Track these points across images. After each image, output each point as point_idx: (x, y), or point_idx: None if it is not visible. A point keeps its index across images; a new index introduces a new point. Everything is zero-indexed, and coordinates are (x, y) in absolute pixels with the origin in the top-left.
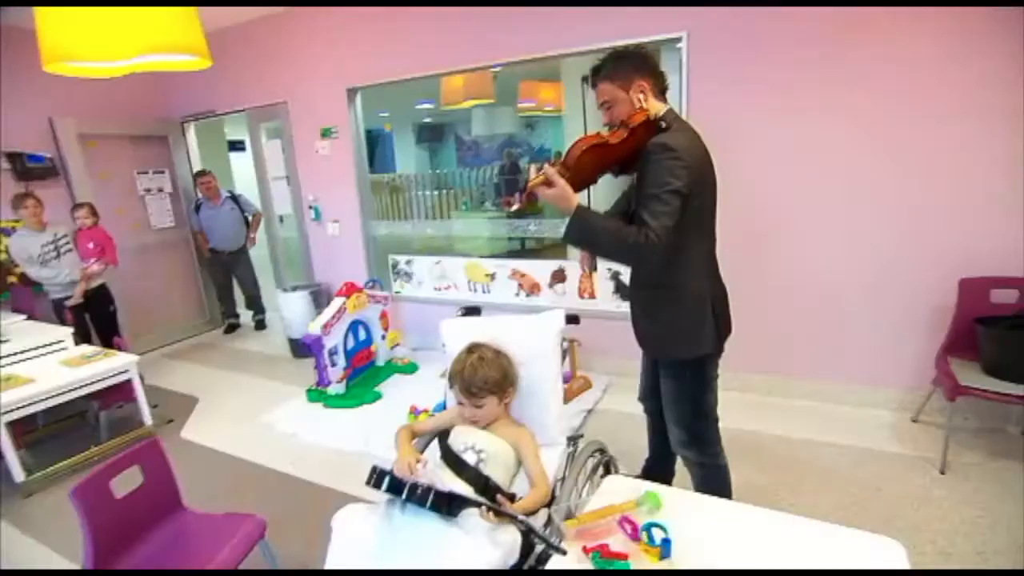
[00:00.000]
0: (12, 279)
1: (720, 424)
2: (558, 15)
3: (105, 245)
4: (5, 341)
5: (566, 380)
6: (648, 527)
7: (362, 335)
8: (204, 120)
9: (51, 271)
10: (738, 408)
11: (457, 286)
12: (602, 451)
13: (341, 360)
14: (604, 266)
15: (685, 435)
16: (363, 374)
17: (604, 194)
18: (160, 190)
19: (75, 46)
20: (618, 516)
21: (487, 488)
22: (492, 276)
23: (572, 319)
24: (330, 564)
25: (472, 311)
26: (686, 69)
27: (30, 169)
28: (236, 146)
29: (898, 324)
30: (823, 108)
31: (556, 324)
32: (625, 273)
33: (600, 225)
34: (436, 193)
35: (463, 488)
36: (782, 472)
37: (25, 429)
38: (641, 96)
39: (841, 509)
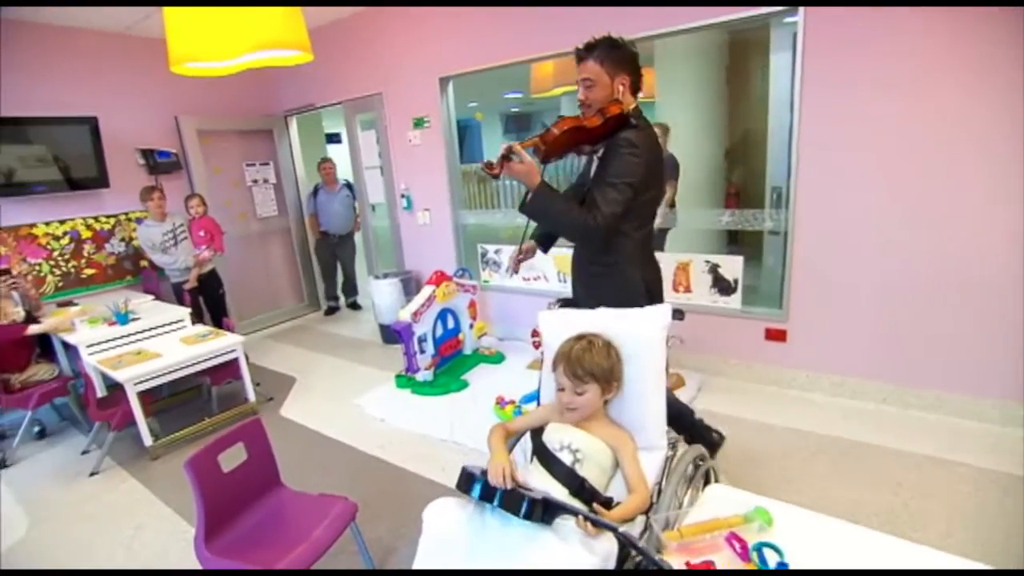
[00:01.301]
0: (143, 263)
1: (826, 432)
2: None
3: (214, 233)
4: (137, 319)
5: None
6: (759, 547)
7: (450, 324)
8: (305, 113)
9: (170, 257)
10: (848, 416)
11: (546, 277)
12: (703, 458)
13: (429, 348)
14: (702, 259)
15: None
16: (450, 363)
17: None
18: (265, 181)
19: (196, 48)
20: (725, 532)
21: (582, 490)
22: None
23: (676, 314)
24: (419, 560)
25: (569, 303)
26: (801, 47)
27: (159, 164)
28: (333, 138)
29: None
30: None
31: (662, 319)
32: (724, 267)
33: (556, 202)
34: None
35: (556, 489)
36: (902, 492)
37: (152, 399)
38: (621, 88)
39: (979, 545)
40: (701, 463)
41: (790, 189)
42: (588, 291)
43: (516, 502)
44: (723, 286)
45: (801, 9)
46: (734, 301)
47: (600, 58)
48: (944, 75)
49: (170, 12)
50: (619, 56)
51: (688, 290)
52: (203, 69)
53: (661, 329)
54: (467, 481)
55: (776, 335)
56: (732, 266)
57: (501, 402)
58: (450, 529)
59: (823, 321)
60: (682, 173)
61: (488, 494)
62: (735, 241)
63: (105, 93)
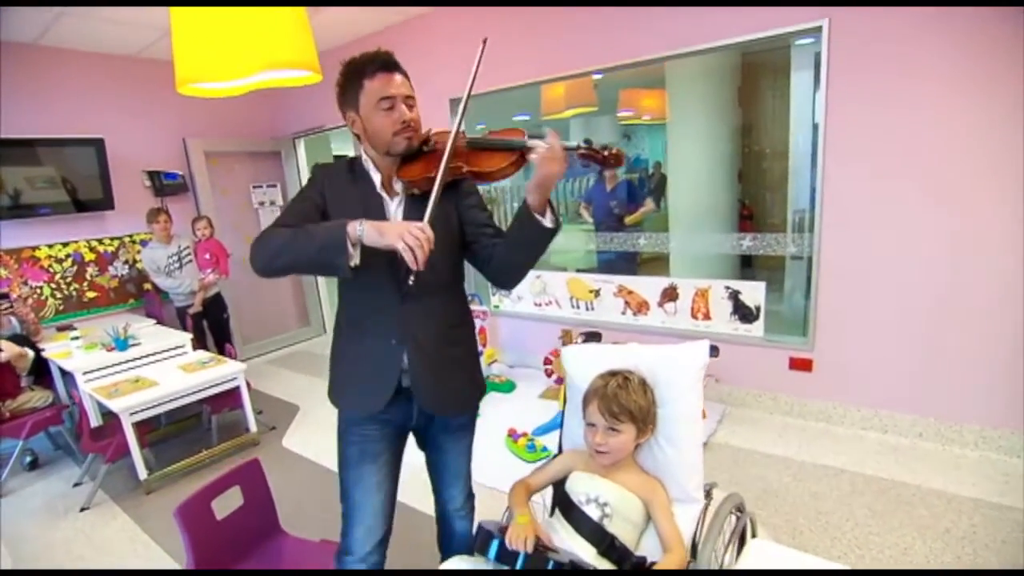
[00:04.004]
0: (147, 286)
1: (859, 470)
2: (667, 14)
3: (219, 256)
4: (137, 344)
5: None
6: None
7: None
8: (313, 135)
9: (175, 281)
10: (882, 452)
11: (558, 302)
12: (740, 508)
13: None
14: (721, 285)
15: (468, 485)
16: None
17: None
18: (272, 203)
19: (203, 68)
20: None
21: (611, 549)
22: (596, 293)
23: (712, 350)
24: None
25: (593, 336)
26: (825, 65)
27: (166, 185)
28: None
29: None
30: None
31: (700, 358)
32: (745, 294)
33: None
34: None
35: (582, 547)
36: (952, 541)
37: (149, 429)
38: None
39: None
40: (740, 514)
41: (815, 213)
42: (455, 364)
43: (541, 566)
44: (744, 313)
45: (825, 27)
46: (756, 329)
47: None
48: (978, 90)
49: (178, 31)
50: None
51: (707, 317)
52: (210, 90)
53: (699, 368)
54: (484, 541)
55: (801, 364)
56: (754, 292)
57: (514, 435)
58: None
59: (851, 350)
60: (694, 195)
61: (508, 556)
62: (749, 265)
63: (113, 115)
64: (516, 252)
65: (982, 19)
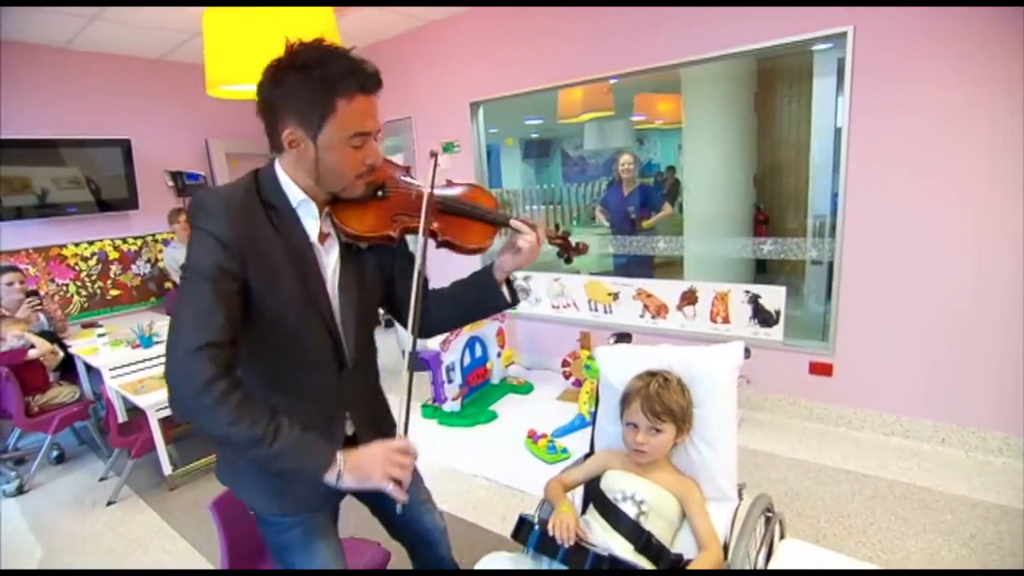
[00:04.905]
0: (168, 285)
1: (880, 475)
2: (688, 18)
3: None
4: (160, 342)
5: None
6: None
7: (478, 352)
8: None
9: None
10: (904, 457)
11: (577, 305)
12: (771, 508)
13: (457, 377)
14: (741, 289)
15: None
16: (477, 392)
17: None
18: None
19: (233, 70)
20: None
21: (648, 546)
22: (615, 296)
23: (746, 352)
24: None
25: (623, 337)
26: (849, 70)
27: (188, 186)
28: None
29: None
30: None
31: (735, 359)
32: (765, 298)
33: None
34: (544, 208)
35: (619, 543)
36: (977, 547)
37: (173, 425)
38: None
39: None
40: (771, 514)
41: (837, 217)
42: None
43: (580, 559)
44: (764, 317)
45: (851, 33)
46: (776, 333)
47: None
48: (1007, 94)
49: (209, 32)
50: None
51: (727, 321)
52: (239, 92)
53: (733, 368)
54: (526, 532)
55: (821, 369)
56: (774, 297)
57: (534, 436)
58: None
59: (873, 355)
60: (709, 200)
61: (548, 548)
62: (763, 271)
63: (139, 117)
64: (460, 311)
65: (1009, 18)
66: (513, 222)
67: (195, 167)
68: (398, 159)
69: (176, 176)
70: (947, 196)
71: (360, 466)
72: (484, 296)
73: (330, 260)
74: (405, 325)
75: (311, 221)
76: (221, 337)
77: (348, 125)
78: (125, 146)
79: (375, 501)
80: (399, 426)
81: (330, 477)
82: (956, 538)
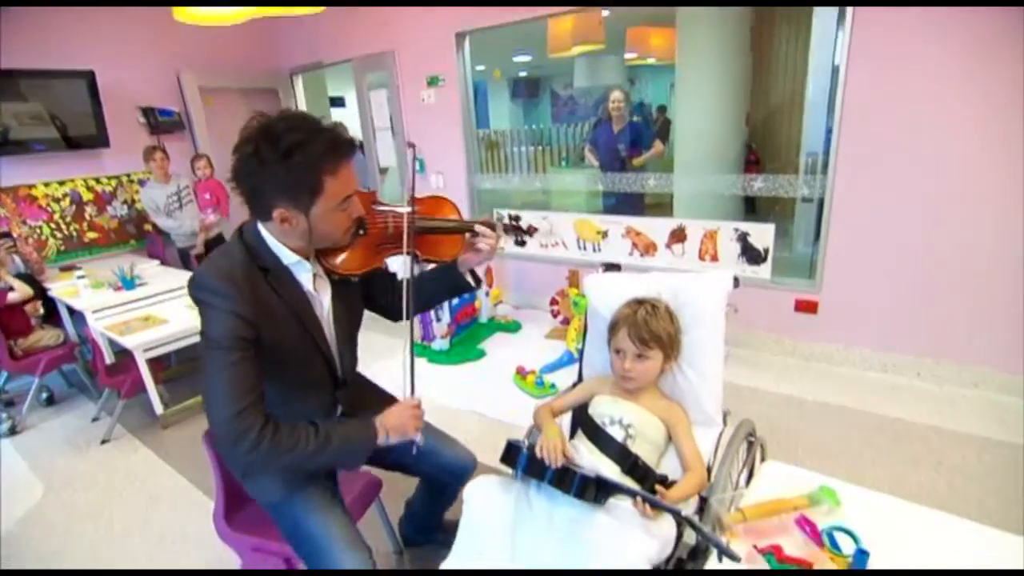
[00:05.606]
0: (147, 227)
1: (859, 407)
2: None
3: (220, 197)
4: (143, 284)
5: None
6: (831, 531)
7: None
8: (310, 73)
9: (175, 221)
10: (881, 391)
11: (565, 244)
12: (753, 434)
13: (446, 316)
14: (730, 227)
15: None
16: (466, 331)
17: None
18: None
19: None
20: (792, 514)
21: (634, 468)
22: (604, 234)
23: (734, 281)
24: (461, 540)
25: (613, 267)
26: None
27: (161, 123)
28: (336, 102)
29: None
30: None
31: (724, 286)
32: (754, 236)
33: None
34: (533, 149)
35: (606, 466)
36: (944, 471)
37: (161, 367)
38: None
39: None
40: (753, 439)
41: (829, 155)
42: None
43: (568, 479)
44: (752, 255)
45: None
46: (763, 271)
47: None
48: (1006, 33)
49: None
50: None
51: (715, 259)
52: (207, 15)
53: (722, 296)
54: (514, 456)
55: (806, 307)
56: (762, 234)
57: (522, 372)
58: (494, 507)
59: (857, 292)
60: (700, 139)
61: (536, 470)
62: (753, 209)
63: (103, 47)
64: (431, 300)
65: None
66: (477, 227)
67: (167, 103)
68: (381, 94)
69: (148, 112)
70: (942, 133)
71: (396, 426)
72: (453, 288)
73: (324, 301)
74: (391, 319)
75: (305, 275)
76: (252, 396)
77: (337, 195)
78: (89, 78)
79: (381, 460)
80: (405, 387)
81: (381, 441)
82: (925, 464)
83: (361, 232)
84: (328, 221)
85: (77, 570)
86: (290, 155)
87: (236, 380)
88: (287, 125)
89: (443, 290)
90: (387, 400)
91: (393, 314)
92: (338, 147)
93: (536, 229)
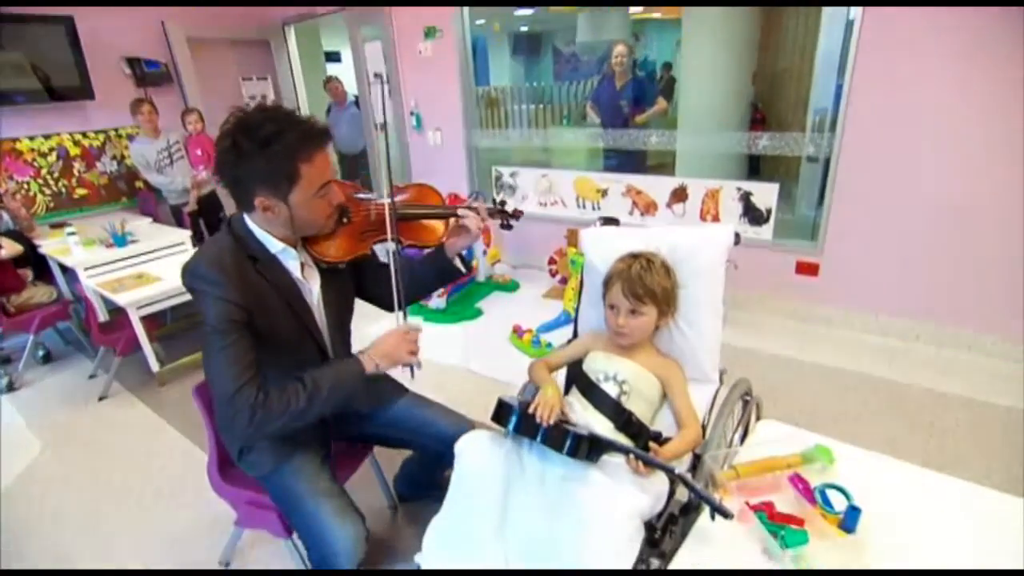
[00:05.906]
0: (139, 184)
1: (856, 369)
2: None
3: (211, 152)
4: (135, 241)
5: None
6: (823, 489)
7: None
8: (303, 24)
9: (166, 178)
10: (878, 354)
11: (564, 202)
12: (749, 393)
13: None
14: (733, 186)
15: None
16: (463, 290)
17: None
18: (264, 97)
19: None
20: (785, 471)
21: (628, 424)
22: (604, 193)
23: (735, 237)
24: (451, 497)
25: (611, 221)
26: None
27: (148, 75)
28: (332, 57)
29: None
30: None
31: (724, 240)
32: (757, 196)
33: None
34: (534, 107)
35: (600, 422)
36: (936, 432)
37: (156, 324)
38: None
39: (1020, 486)
40: (748, 398)
41: (839, 112)
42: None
43: (560, 437)
44: (755, 215)
45: None
46: (765, 232)
47: None
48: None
49: None
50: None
51: (716, 219)
52: None
53: (722, 251)
54: (505, 413)
55: (807, 269)
56: (766, 195)
57: (519, 331)
58: (486, 464)
59: (859, 256)
60: (705, 96)
61: (528, 428)
62: (757, 171)
63: None
64: (422, 288)
65: None
66: (460, 210)
67: (153, 54)
68: (376, 47)
69: (134, 63)
70: (952, 95)
71: (386, 353)
72: (443, 275)
73: (313, 288)
74: (386, 309)
75: (293, 263)
76: (249, 373)
77: (314, 182)
78: (68, 25)
79: (380, 439)
80: (396, 313)
81: (371, 370)
82: (917, 425)
83: (345, 220)
84: (308, 208)
85: (77, 570)
86: (267, 144)
87: (231, 360)
88: (263, 117)
89: (432, 276)
90: (383, 379)
91: (386, 303)
92: (312, 136)
93: (522, 213)
